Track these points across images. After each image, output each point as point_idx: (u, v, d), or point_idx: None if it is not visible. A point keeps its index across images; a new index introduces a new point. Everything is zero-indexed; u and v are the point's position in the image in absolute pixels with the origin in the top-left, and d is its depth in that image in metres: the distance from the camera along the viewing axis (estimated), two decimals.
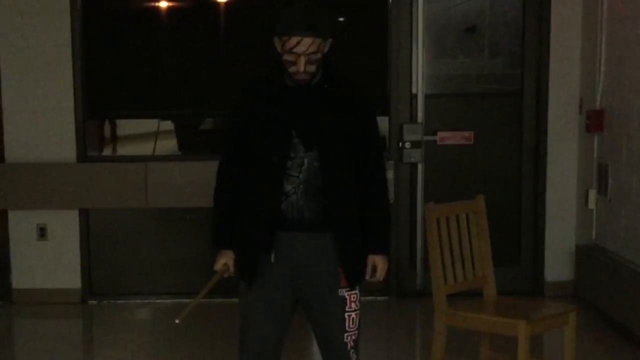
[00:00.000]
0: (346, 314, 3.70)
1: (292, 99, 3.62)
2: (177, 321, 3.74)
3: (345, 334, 3.72)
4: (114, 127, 7.57)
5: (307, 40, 3.48)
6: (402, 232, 6.81)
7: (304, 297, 3.74)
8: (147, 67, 6.91)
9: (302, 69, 3.51)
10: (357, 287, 3.75)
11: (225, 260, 3.80)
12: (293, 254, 3.66)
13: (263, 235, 3.64)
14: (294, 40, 3.48)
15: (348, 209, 3.65)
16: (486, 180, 6.82)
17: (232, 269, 3.80)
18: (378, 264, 3.73)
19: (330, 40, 3.59)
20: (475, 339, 5.07)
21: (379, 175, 3.75)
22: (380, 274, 3.75)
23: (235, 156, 3.73)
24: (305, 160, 3.59)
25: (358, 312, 3.74)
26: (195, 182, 6.68)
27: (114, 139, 7.60)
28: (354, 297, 3.72)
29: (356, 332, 3.75)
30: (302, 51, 3.48)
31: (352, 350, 3.74)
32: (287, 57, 3.53)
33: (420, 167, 6.75)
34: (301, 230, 3.62)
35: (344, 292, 3.70)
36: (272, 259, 3.67)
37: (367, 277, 3.75)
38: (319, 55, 3.53)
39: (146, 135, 7.85)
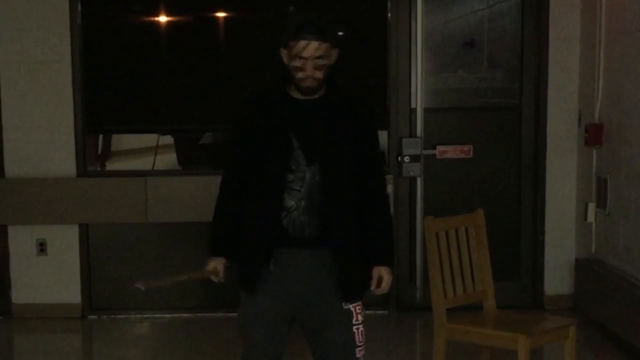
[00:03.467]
0: (354, 328, 3.68)
1: (295, 111, 3.61)
2: (139, 285, 3.70)
3: (357, 349, 3.69)
4: (108, 143, 7.60)
5: (315, 44, 3.48)
6: (401, 246, 6.80)
7: (305, 316, 3.70)
8: (146, 82, 6.92)
9: (309, 73, 3.50)
10: (360, 300, 3.73)
11: (215, 265, 3.81)
12: (293, 271, 3.65)
13: (263, 250, 3.64)
14: (302, 43, 3.48)
15: (349, 224, 3.63)
16: (485, 194, 6.83)
17: (220, 274, 3.80)
18: (383, 276, 3.70)
19: (337, 50, 3.60)
20: (475, 353, 5.07)
21: (380, 188, 3.75)
22: (385, 286, 3.72)
23: (238, 168, 3.72)
24: (307, 174, 3.58)
25: (363, 325, 3.71)
26: (195, 196, 6.68)
27: (108, 153, 7.62)
28: (359, 309, 3.69)
29: (364, 346, 3.72)
30: (310, 54, 3.48)
31: None
32: (294, 62, 3.51)
33: (419, 181, 6.75)
34: (302, 246, 3.61)
35: (349, 305, 3.67)
36: (271, 272, 3.65)
37: (372, 287, 3.71)
38: (326, 62, 3.52)
39: (145, 150, 7.87)
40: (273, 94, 3.66)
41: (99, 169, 7.41)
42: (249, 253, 3.69)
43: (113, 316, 6.89)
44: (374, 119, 3.80)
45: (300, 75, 3.52)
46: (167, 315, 6.88)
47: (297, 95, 3.61)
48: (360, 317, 3.69)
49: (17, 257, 6.81)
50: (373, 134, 3.75)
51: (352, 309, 3.67)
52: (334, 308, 3.66)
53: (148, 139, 7.87)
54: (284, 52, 3.57)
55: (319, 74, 3.52)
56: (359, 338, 3.69)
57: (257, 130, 3.62)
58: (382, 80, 6.77)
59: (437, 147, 6.80)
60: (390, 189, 6.44)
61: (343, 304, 3.65)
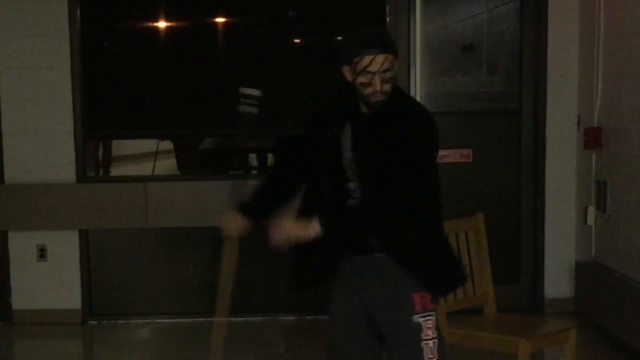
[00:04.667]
0: (423, 343, 3.51)
1: (356, 124, 3.55)
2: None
3: None
4: (108, 148, 7.60)
5: (380, 57, 3.43)
6: None
7: (379, 326, 3.62)
8: (146, 88, 6.93)
9: (378, 87, 3.43)
10: (434, 315, 3.55)
11: (228, 218, 3.74)
12: (357, 281, 3.60)
13: (325, 259, 3.61)
14: (368, 59, 3.42)
15: (406, 231, 3.49)
16: (485, 198, 6.83)
17: (232, 230, 3.74)
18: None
19: (398, 60, 3.56)
20: (476, 356, 5.07)
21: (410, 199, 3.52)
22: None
23: (296, 153, 3.74)
24: (360, 187, 3.53)
25: (436, 340, 3.54)
26: (195, 202, 6.69)
27: (108, 159, 7.62)
28: (430, 324, 3.53)
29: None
30: (377, 69, 3.43)
31: None
32: (361, 79, 3.44)
33: None
34: (364, 253, 3.56)
35: (418, 319, 3.52)
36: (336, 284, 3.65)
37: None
38: (393, 73, 3.49)
39: (145, 156, 7.86)
40: (339, 104, 3.61)
41: (101, 174, 7.40)
42: (306, 264, 3.64)
43: (113, 322, 6.89)
44: (414, 122, 3.55)
45: (368, 90, 3.45)
46: (168, 321, 6.88)
47: (363, 109, 3.55)
48: (430, 333, 3.51)
49: (17, 263, 6.82)
50: (409, 139, 3.48)
51: (423, 323, 3.51)
52: (401, 321, 3.54)
53: (148, 145, 7.86)
54: (346, 70, 3.50)
55: (387, 87, 3.47)
56: (427, 354, 3.52)
57: (319, 139, 3.60)
58: None
59: None
60: None
61: (412, 317, 3.52)
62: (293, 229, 3.43)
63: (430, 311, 3.54)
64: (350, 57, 3.46)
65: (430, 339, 3.51)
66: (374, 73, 3.43)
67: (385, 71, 3.45)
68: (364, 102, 3.51)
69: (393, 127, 3.47)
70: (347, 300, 3.65)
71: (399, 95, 3.56)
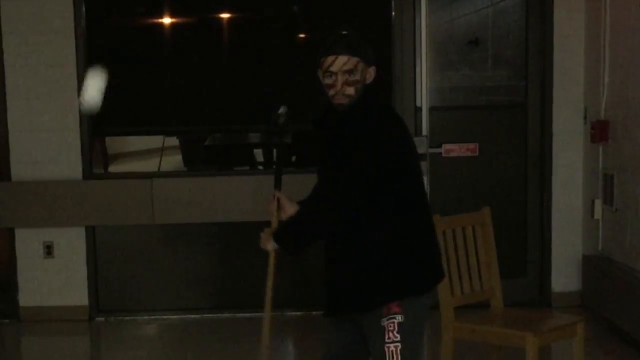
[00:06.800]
0: (385, 346, 3.50)
1: (326, 127, 3.63)
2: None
3: None
4: (103, 146, 7.59)
5: (343, 59, 3.46)
6: None
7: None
8: (151, 84, 6.92)
9: (338, 87, 3.47)
10: (403, 316, 3.51)
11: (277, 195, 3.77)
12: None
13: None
14: (330, 59, 3.47)
15: (346, 245, 3.56)
16: (492, 192, 6.82)
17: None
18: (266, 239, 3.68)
19: (373, 68, 3.55)
20: (483, 351, 5.07)
21: (327, 185, 3.61)
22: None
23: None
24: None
25: (398, 344, 3.50)
26: (201, 198, 6.69)
27: (105, 156, 7.62)
28: (391, 327, 3.50)
29: None
30: (338, 68, 3.46)
31: None
32: (326, 80, 3.50)
33: (425, 179, 6.75)
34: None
35: (384, 322, 3.52)
36: None
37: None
38: (357, 77, 3.48)
39: (151, 152, 7.86)
40: (326, 112, 3.66)
41: (103, 171, 7.40)
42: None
43: (120, 318, 6.89)
44: (358, 125, 3.49)
45: (331, 92, 3.50)
46: (175, 317, 6.88)
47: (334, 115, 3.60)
48: (392, 335, 3.49)
49: (24, 260, 6.82)
50: (350, 139, 3.48)
51: (386, 325, 3.51)
52: (371, 322, 3.57)
53: (154, 141, 7.87)
54: (319, 73, 3.55)
55: (350, 90, 3.48)
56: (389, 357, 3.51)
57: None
58: (387, 80, 6.76)
59: (443, 145, 6.79)
60: None
61: (381, 320, 3.52)
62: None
63: (394, 314, 3.50)
64: (318, 59, 3.53)
65: (391, 343, 3.49)
66: (335, 73, 3.47)
67: (348, 73, 3.47)
68: (334, 107, 3.56)
69: (340, 131, 3.52)
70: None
71: (365, 103, 3.52)
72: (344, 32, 3.57)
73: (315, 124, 3.74)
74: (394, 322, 3.50)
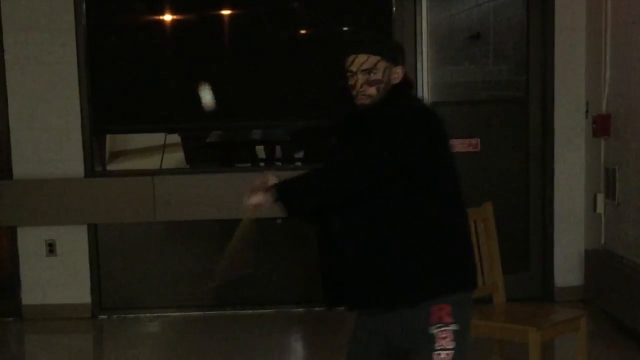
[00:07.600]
0: (435, 354, 3.34)
1: (346, 126, 3.52)
2: (213, 284, 3.60)
3: None
4: (102, 144, 7.60)
5: (362, 58, 3.38)
6: None
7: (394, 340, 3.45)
8: (153, 82, 6.92)
9: (358, 86, 3.37)
10: (458, 325, 3.41)
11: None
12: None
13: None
14: (350, 59, 3.40)
15: (367, 235, 3.31)
16: (494, 187, 6.82)
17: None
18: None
19: (400, 68, 3.47)
20: (486, 346, 5.06)
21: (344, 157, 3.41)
22: (252, 199, 3.57)
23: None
24: None
25: (451, 352, 3.37)
26: (203, 195, 6.69)
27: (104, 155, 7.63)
28: (444, 335, 3.37)
29: None
30: (357, 68, 3.37)
31: None
32: (349, 81, 3.42)
33: None
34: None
35: (433, 330, 3.36)
36: None
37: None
38: (378, 77, 3.38)
39: (153, 150, 7.88)
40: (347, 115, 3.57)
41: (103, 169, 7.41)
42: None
43: (123, 316, 6.90)
44: (385, 114, 3.38)
45: (353, 93, 3.41)
46: (177, 314, 6.89)
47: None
48: (444, 343, 3.36)
49: (26, 259, 6.83)
50: (376, 126, 3.35)
51: (437, 333, 3.36)
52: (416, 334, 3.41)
53: (155, 139, 7.88)
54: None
55: (371, 90, 3.38)
56: None
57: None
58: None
59: None
60: None
61: (429, 328, 3.38)
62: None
63: (447, 324, 3.38)
64: (343, 61, 3.44)
65: (442, 350, 3.35)
66: (355, 73, 3.38)
67: (367, 72, 3.37)
68: (357, 109, 3.44)
69: (363, 126, 3.39)
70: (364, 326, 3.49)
71: (391, 102, 3.41)
72: (368, 32, 3.56)
73: (334, 129, 3.62)
74: (447, 331, 3.39)
